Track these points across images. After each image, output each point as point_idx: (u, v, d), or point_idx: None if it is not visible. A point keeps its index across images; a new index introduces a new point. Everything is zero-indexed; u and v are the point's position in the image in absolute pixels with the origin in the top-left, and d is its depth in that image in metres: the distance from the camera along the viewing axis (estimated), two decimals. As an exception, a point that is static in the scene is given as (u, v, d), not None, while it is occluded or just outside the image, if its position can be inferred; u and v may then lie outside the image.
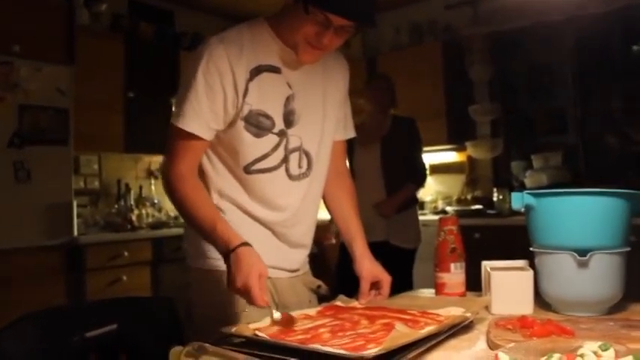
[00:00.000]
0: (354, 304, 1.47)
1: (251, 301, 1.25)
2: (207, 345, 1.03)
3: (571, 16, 4.21)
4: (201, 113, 1.39)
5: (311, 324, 1.23)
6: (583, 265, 1.32)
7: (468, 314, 1.23)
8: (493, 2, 4.51)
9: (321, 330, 1.18)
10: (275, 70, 1.47)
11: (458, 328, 1.19)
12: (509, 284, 1.41)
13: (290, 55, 1.47)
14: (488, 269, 1.48)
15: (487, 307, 1.41)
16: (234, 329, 1.15)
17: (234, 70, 1.40)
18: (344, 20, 1.33)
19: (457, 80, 4.92)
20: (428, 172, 3.80)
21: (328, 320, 1.27)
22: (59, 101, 3.78)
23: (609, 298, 1.35)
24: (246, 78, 1.41)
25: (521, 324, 1.16)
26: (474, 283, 1.60)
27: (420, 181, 3.73)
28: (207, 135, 1.42)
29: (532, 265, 1.47)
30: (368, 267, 1.57)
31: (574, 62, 4.61)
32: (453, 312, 1.26)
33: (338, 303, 1.47)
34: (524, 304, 1.39)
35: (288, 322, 1.22)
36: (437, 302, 1.40)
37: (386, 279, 1.56)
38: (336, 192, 1.71)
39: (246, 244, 1.31)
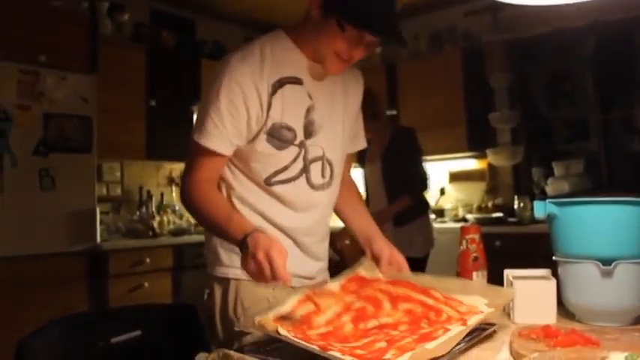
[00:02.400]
0: (377, 274, 1.47)
1: (272, 275, 1.19)
2: (232, 352, 1.04)
3: (592, 22, 4.17)
4: (224, 130, 1.39)
5: (335, 307, 1.24)
6: (607, 274, 1.30)
7: (490, 310, 1.23)
8: (513, 9, 4.48)
9: (343, 319, 1.19)
10: (297, 81, 1.47)
11: (481, 337, 1.19)
12: (532, 293, 1.40)
13: (312, 66, 1.47)
14: (511, 278, 1.48)
15: (510, 316, 1.41)
16: (257, 319, 1.14)
17: (257, 86, 1.40)
18: (377, 37, 1.36)
19: (477, 87, 4.90)
20: (429, 179, 3.79)
21: (351, 299, 1.28)
22: (83, 109, 3.85)
23: (635, 308, 1.33)
24: (269, 92, 1.41)
25: (545, 333, 1.15)
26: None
27: (417, 192, 3.75)
28: (229, 151, 1.43)
29: (554, 274, 1.46)
30: (389, 248, 1.60)
31: (595, 68, 4.57)
32: (476, 302, 1.26)
33: (361, 271, 1.45)
34: (547, 314, 1.38)
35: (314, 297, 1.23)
36: (462, 286, 1.38)
37: (404, 261, 1.58)
38: (348, 199, 1.72)
39: (263, 231, 1.29)
